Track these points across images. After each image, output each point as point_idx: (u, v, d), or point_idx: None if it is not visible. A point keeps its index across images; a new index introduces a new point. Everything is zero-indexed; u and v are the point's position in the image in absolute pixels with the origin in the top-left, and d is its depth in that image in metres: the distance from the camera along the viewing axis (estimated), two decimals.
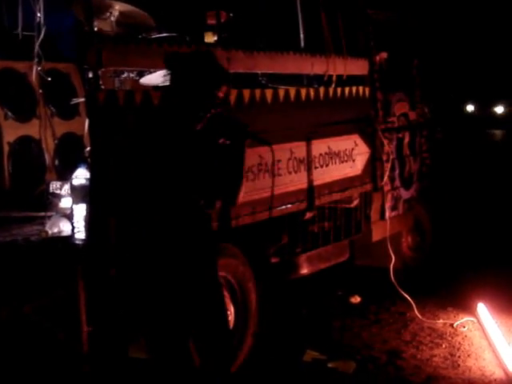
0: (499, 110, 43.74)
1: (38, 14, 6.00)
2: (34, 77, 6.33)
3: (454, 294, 7.70)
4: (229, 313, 5.54)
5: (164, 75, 4.17)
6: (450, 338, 6.61)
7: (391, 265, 7.35)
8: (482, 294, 7.27)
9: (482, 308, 6.98)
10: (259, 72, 6.27)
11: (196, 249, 4.12)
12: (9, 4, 6.89)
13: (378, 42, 7.50)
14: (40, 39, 5.98)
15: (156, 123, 4.11)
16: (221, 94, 4.01)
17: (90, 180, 4.63)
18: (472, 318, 6.98)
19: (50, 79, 6.52)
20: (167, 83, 4.10)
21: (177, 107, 4.04)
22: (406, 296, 7.19)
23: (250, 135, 4.15)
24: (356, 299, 7.67)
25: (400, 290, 7.21)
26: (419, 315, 7.07)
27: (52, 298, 4.65)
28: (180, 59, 4.09)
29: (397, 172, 7.84)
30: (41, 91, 6.55)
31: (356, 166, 6.96)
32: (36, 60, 6.45)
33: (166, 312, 4.18)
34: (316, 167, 6.31)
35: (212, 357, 4.26)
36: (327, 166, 6.48)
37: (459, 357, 6.19)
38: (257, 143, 4.46)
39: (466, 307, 7.22)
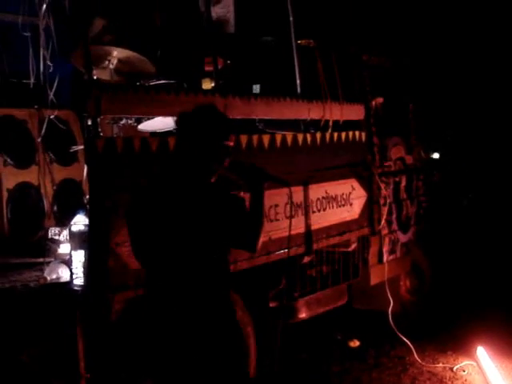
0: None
1: (49, 63, 6.04)
2: (37, 123, 6.30)
3: (453, 337, 7.68)
4: None
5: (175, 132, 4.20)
6: (449, 382, 6.59)
7: (390, 308, 7.33)
8: (481, 337, 7.26)
9: (481, 351, 6.96)
10: (256, 118, 6.33)
11: (216, 312, 4.07)
12: (9, 51, 6.98)
13: (374, 87, 7.59)
14: (54, 89, 6.01)
15: (168, 179, 4.11)
16: (231, 144, 4.07)
17: (89, 226, 4.64)
18: (472, 362, 6.96)
19: (62, 127, 6.53)
20: (178, 141, 4.17)
21: (190, 163, 4.05)
22: (406, 340, 7.17)
23: (268, 177, 4.20)
24: (355, 343, 7.65)
25: (399, 333, 7.20)
26: (419, 359, 7.05)
27: (50, 344, 4.64)
28: (187, 118, 4.11)
29: (394, 215, 7.87)
30: (40, 138, 6.59)
31: (353, 209, 6.98)
32: (35, 107, 6.52)
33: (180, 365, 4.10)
34: (313, 211, 6.33)
35: None
36: (325, 210, 6.51)
37: None
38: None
39: (466, 351, 7.20)
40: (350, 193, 6.93)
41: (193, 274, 3.96)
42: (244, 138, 5.60)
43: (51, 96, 5.90)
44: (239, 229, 4.02)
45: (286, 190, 5.84)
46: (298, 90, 6.48)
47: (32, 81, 6.23)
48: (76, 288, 4.92)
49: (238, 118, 5.65)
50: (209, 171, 4.05)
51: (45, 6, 6.07)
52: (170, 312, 3.97)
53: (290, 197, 4.70)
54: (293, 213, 6.05)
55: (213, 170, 4.05)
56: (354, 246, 7.15)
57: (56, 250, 5.57)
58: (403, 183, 8.15)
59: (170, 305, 3.97)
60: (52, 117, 6.07)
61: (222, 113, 4.29)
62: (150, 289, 4.07)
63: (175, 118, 4.21)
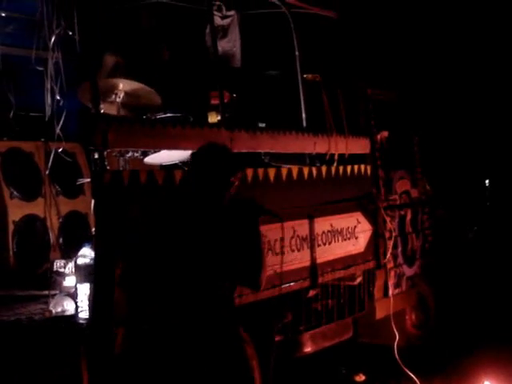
0: None
1: (58, 97, 6.08)
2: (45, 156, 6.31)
3: (459, 371, 7.61)
4: None
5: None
6: None
7: (395, 342, 7.29)
8: (487, 371, 7.19)
9: None
10: (262, 151, 6.36)
11: (223, 341, 4.09)
12: (17, 85, 7.03)
13: (379, 120, 7.63)
14: (61, 122, 6.05)
15: (175, 210, 4.17)
16: (236, 181, 4.20)
17: (95, 259, 4.64)
18: None
19: (69, 159, 6.55)
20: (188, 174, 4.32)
21: (196, 194, 4.16)
22: (411, 374, 7.11)
23: (263, 211, 4.25)
24: (360, 377, 7.59)
25: (405, 368, 7.14)
26: None
27: (55, 378, 4.61)
28: (201, 155, 4.28)
29: (400, 249, 7.86)
30: (47, 171, 6.61)
31: (359, 243, 6.98)
32: (42, 140, 6.55)
33: None
34: (319, 245, 6.33)
35: None
36: (330, 243, 6.50)
37: None
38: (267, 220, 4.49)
39: None
40: (355, 226, 6.92)
41: (199, 305, 3.98)
42: (250, 172, 5.62)
43: (58, 130, 5.94)
44: (241, 265, 4.05)
45: (290, 224, 5.89)
46: (304, 123, 6.51)
47: (44, 114, 6.28)
48: (81, 321, 4.90)
49: (244, 151, 5.67)
50: (213, 203, 4.12)
51: (53, 39, 6.14)
52: (174, 344, 3.98)
53: (283, 232, 4.70)
54: (298, 246, 6.05)
55: (216, 202, 4.13)
56: (359, 279, 7.13)
57: (61, 283, 5.56)
58: (409, 216, 8.15)
59: (174, 337, 3.99)
60: (60, 150, 6.10)
61: (233, 153, 4.41)
62: (154, 322, 4.07)
63: (190, 154, 4.36)
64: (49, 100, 6.09)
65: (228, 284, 4.12)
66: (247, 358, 4.29)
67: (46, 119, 6.48)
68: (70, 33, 5.76)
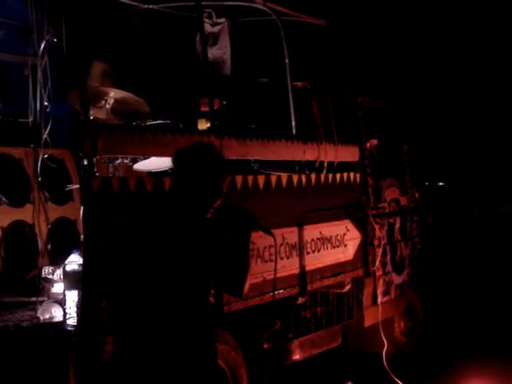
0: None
1: (46, 103, 6.07)
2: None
3: (447, 379, 7.62)
4: None
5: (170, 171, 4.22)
6: None
7: (384, 350, 7.30)
8: (475, 379, 7.21)
9: None
10: (252, 158, 6.36)
11: (198, 342, 4.09)
12: (6, 90, 7.01)
13: (368, 129, 7.65)
14: (48, 128, 6.03)
15: (162, 216, 4.13)
16: (225, 185, 4.11)
17: (83, 266, 4.63)
18: None
19: (54, 166, 6.55)
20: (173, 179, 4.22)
21: (183, 202, 4.08)
22: (400, 382, 7.12)
23: (256, 226, 4.20)
24: None
25: (393, 376, 7.15)
26: None
27: None
28: (185, 156, 4.14)
29: (388, 257, 7.87)
30: (37, 177, 6.59)
31: (348, 251, 6.99)
32: (31, 146, 6.54)
33: None
34: (308, 252, 6.34)
35: None
36: (319, 251, 6.51)
37: None
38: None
39: None
40: (344, 234, 6.93)
41: (181, 311, 3.98)
42: (239, 179, 5.62)
43: (45, 135, 5.94)
44: (226, 273, 4.04)
45: (279, 231, 5.89)
46: (294, 131, 6.52)
47: (34, 119, 6.28)
48: (69, 328, 4.88)
49: (234, 158, 5.67)
50: (201, 210, 4.07)
51: (43, 45, 6.14)
52: (159, 349, 3.99)
53: (276, 246, 4.64)
54: (287, 254, 6.06)
55: (203, 209, 4.07)
56: (348, 287, 7.14)
57: (49, 290, 5.54)
58: (397, 224, 8.16)
59: (159, 343, 3.99)
60: (46, 156, 6.09)
61: (219, 153, 4.31)
62: (141, 328, 4.07)
63: (172, 155, 4.24)
64: (33, 105, 6.11)
65: (207, 289, 4.10)
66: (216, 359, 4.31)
67: (30, 124, 6.51)
68: (57, 40, 5.77)
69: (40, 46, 6.04)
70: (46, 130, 5.94)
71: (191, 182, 4.05)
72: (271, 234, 4.32)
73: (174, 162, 4.21)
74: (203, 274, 4.01)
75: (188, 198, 4.05)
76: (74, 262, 5.10)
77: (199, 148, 4.23)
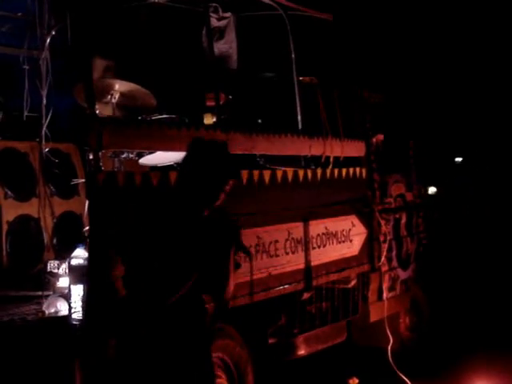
0: None
1: (44, 99, 6.08)
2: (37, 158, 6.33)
3: (452, 375, 7.60)
4: None
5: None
6: None
7: (389, 346, 7.29)
8: (480, 374, 7.20)
9: None
10: (257, 153, 6.35)
11: (194, 337, 4.10)
12: (12, 85, 7.01)
13: (375, 124, 7.63)
14: (47, 121, 6.04)
15: (164, 211, 4.14)
16: (227, 188, 4.11)
17: (88, 260, 4.63)
18: None
19: (56, 160, 6.57)
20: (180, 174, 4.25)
21: (184, 195, 4.11)
22: (405, 378, 7.11)
23: (238, 246, 4.18)
24: (354, 381, 7.56)
25: (398, 371, 7.14)
26: None
27: (48, 379, 4.60)
28: (197, 149, 4.20)
29: (394, 252, 7.86)
30: (43, 171, 6.60)
31: (353, 246, 6.97)
32: (37, 140, 6.54)
33: None
34: (313, 248, 6.33)
35: None
36: (324, 246, 6.50)
37: None
38: (252, 225, 4.44)
39: None
40: (350, 229, 6.92)
41: (180, 307, 3.99)
42: (245, 174, 5.61)
43: (44, 129, 5.95)
44: (208, 273, 4.06)
45: (286, 226, 5.89)
46: (300, 126, 6.51)
47: (39, 114, 6.29)
48: (74, 322, 4.88)
49: (240, 153, 5.66)
50: (198, 206, 4.10)
51: (48, 40, 6.13)
52: (161, 346, 4.04)
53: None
54: (293, 249, 6.05)
55: (200, 206, 4.10)
56: (353, 282, 7.13)
57: (55, 284, 5.54)
58: (403, 220, 8.14)
59: (160, 339, 4.04)
60: (46, 150, 6.10)
61: (230, 156, 4.31)
62: (144, 324, 4.09)
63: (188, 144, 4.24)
64: (44, 100, 6.10)
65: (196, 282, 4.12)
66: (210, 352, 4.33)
67: (24, 119, 6.52)
68: (60, 33, 5.76)
69: (45, 40, 6.05)
70: (46, 123, 5.96)
71: (195, 174, 4.08)
72: (249, 255, 4.37)
73: (187, 150, 4.25)
74: (191, 266, 4.02)
75: (188, 192, 4.09)
76: (80, 256, 5.09)
77: (212, 146, 4.28)
